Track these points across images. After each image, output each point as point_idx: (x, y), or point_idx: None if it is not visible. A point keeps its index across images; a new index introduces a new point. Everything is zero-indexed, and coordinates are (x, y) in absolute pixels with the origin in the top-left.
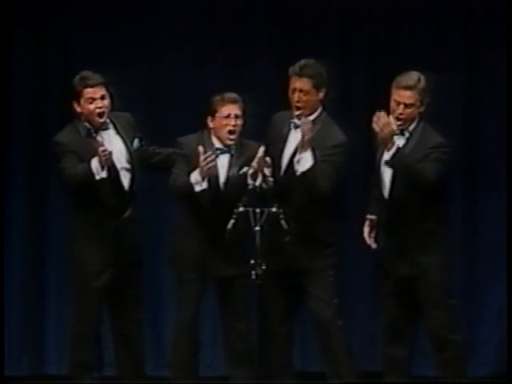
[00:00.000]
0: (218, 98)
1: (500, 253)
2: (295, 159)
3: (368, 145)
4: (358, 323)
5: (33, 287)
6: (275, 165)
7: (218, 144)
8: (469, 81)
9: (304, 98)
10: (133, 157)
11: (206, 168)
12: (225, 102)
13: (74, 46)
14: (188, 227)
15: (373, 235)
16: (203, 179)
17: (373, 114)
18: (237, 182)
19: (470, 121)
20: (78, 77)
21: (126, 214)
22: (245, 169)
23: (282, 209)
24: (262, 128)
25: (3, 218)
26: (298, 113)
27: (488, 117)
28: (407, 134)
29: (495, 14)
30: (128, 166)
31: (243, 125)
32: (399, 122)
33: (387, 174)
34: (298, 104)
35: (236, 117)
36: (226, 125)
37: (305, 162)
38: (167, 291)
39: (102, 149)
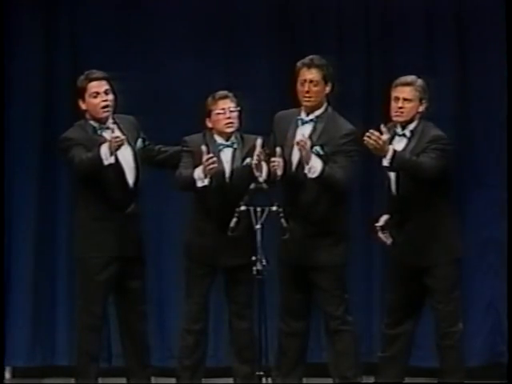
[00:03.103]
0: (209, 98)
1: (489, 246)
2: (305, 170)
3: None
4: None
5: (44, 281)
6: (286, 162)
7: (220, 140)
8: (462, 82)
9: (314, 88)
10: (137, 156)
11: (208, 168)
12: (216, 99)
13: (81, 48)
14: (197, 222)
15: (386, 231)
16: (205, 176)
17: (370, 114)
18: (241, 174)
19: (463, 122)
20: (81, 76)
21: (129, 210)
22: (248, 160)
23: (290, 206)
24: (263, 126)
25: (12, 213)
26: (307, 104)
27: (482, 117)
28: (408, 134)
29: (492, 14)
30: (133, 164)
31: (240, 116)
32: (400, 119)
33: (392, 173)
34: (308, 94)
35: (230, 110)
36: (222, 118)
37: (315, 168)
38: (173, 284)
39: (114, 135)
